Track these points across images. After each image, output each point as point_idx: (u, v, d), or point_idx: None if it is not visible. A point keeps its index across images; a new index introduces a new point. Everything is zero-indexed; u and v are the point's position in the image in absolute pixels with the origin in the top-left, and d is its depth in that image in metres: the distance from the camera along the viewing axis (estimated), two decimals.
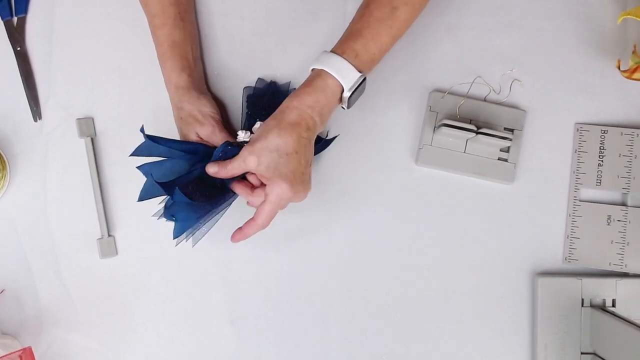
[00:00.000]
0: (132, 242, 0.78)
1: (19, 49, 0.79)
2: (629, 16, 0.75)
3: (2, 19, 0.79)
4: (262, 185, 0.69)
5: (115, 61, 0.79)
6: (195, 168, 0.70)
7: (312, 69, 0.69)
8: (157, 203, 0.70)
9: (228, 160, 0.68)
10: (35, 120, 0.78)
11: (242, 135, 0.72)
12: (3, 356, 0.69)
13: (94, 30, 0.80)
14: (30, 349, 0.70)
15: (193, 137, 0.72)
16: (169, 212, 0.69)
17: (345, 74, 0.68)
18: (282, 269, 0.78)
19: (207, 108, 0.72)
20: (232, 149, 0.70)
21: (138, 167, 0.70)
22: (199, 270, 0.78)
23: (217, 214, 0.72)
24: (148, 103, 0.79)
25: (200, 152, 0.71)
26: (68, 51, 0.79)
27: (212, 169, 0.68)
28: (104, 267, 0.78)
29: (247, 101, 0.78)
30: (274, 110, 0.71)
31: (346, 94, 0.68)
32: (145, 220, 0.78)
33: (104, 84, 0.79)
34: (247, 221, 0.69)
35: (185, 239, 0.70)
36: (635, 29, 0.80)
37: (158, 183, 0.67)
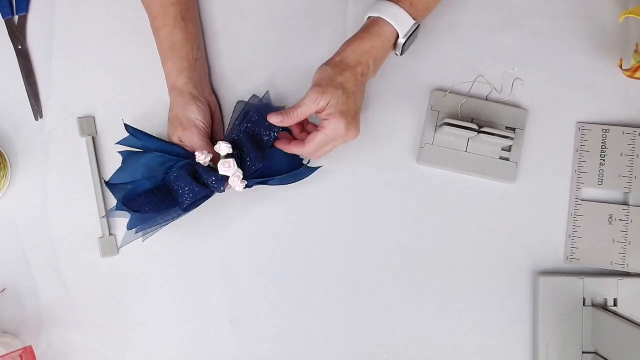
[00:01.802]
0: (133, 242, 0.78)
1: (20, 47, 0.79)
2: (630, 15, 0.75)
3: (3, 18, 0.79)
4: (302, 134, 0.72)
5: (116, 60, 0.79)
6: (156, 176, 0.72)
7: (368, 17, 0.72)
8: None
9: (293, 108, 0.69)
10: (37, 119, 0.78)
11: (199, 157, 0.71)
12: (4, 355, 0.69)
13: (94, 29, 0.80)
14: (31, 348, 0.70)
15: (175, 140, 0.73)
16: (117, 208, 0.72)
17: (400, 21, 0.71)
18: (282, 268, 0.78)
19: (194, 115, 0.72)
20: (181, 174, 0.71)
21: (119, 151, 0.73)
22: (199, 270, 0.78)
23: (165, 222, 0.73)
24: (149, 102, 0.78)
25: (179, 155, 0.72)
26: (69, 50, 0.79)
27: (276, 119, 0.70)
28: (104, 267, 0.77)
29: (238, 113, 0.77)
30: (259, 125, 0.73)
31: (401, 41, 0.72)
32: None
33: (105, 83, 0.79)
34: (296, 141, 0.72)
35: (140, 234, 0.73)
36: (637, 28, 0.80)
37: (107, 184, 0.71)
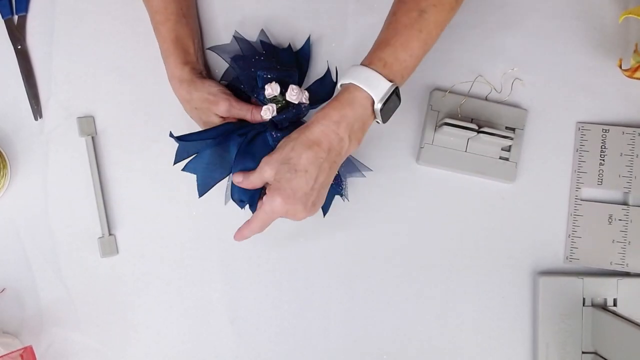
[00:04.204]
0: (133, 241, 0.78)
1: (19, 47, 0.79)
2: (630, 15, 0.75)
3: (2, 18, 0.79)
4: None
5: (115, 60, 0.79)
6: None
7: (340, 85, 0.66)
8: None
9: (250, 172, 0.66)
10: (36, 119, 0.78)
11: (267, 113, 0.71)
12: (4, 355, 0.69)
13: (94, 28, 0.80)
14: (31, 347, 0.70)
15: (215, 120, 0.72)
16: (238, 199, 0.70)
17: (373, 85, 0.63)
18: (282, 268, 0.78)
19: (214, 88, 0.72)
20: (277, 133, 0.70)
21: (184, 169, 0.72)
22: (199, 270, 0.78)
23: None
24: (149, 101, 0.78)
25: (233, 130, 0.71)
26: (69, 50, 0.79)
27: (238, 179, 0.67)
28: (104, 266, 0.77)
29: (236, 65, 0.76)
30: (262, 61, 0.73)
31: (377, 106, 0.63)
32: (146, 219, 0.78)
33: (105, 83, 0.79)
34: (245, 222, 0.67)
35: None
36: (636, 28, 0.80)
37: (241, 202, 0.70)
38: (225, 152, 0.72)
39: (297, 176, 0.62)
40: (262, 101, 0.72)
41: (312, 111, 0.73)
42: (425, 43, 0.66)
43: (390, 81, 0.64)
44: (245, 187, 0.67)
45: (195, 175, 0.73)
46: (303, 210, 0.63)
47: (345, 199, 0.75)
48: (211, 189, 0.73)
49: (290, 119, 0.72)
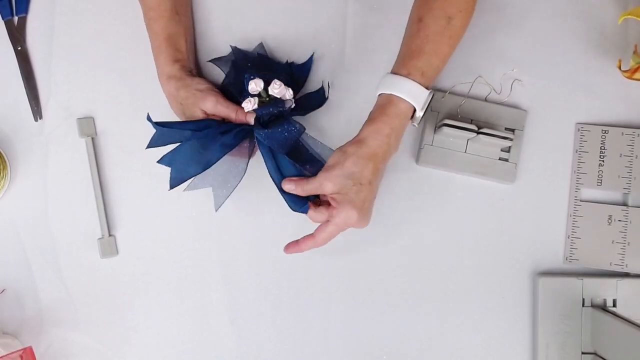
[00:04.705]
0: (133, 242, 0.78)
1: (19, 48, 0.79)
2: (629, 16, 0.75)
3: (2, 19, 0.79)
4: (327, 204, 0.68)
5: (115, 61, 0.79)
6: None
7: (380, 94, 0.69)
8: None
9: (305, 180, 0.68)
10: (36, 120, 0.78)
11: (248, 106, 0.70)
12: (4, 356, 0.69)
13: (94, 29, 0.80)
14: (30, 348, 0.70)
15: (199, 115, 0.72)
16: (299, 209, 0.70)
17: (416, 95, 0.68)
18: (282, 268, 0.78)
19: (202, 85, 0.72)
20: (242, 130, 0.71)
21: (159, 161, 0.70)
22: (199, 270, 0.78)
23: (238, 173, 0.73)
24: (148, 102, 0.78)
25: (214, 127, 0.71)
26: (69, 51, 0.79)
27: (289, 186, 0.69)
28: (104, 267, 0.78)
29: (233, 68, 0.77)
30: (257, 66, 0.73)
31: (419, 114, 0.69)
32: (146, 220, 0.78)
33: (105, 84, 0.79)
34: (305, 236, 0.69)
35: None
36: (636, 29, 0.80)
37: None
38: (203, 148, 0.70)
39: (363, 189, 0.66)
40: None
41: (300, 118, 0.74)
42: (452, 47, 0.71)
43: (427, 88, 0.69)
44: (299, 194, 0.69)
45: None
46: (368, 219, 0.68)
47: None
48: (209, 190, 0.73)
49: (273, 114, 0.71)
